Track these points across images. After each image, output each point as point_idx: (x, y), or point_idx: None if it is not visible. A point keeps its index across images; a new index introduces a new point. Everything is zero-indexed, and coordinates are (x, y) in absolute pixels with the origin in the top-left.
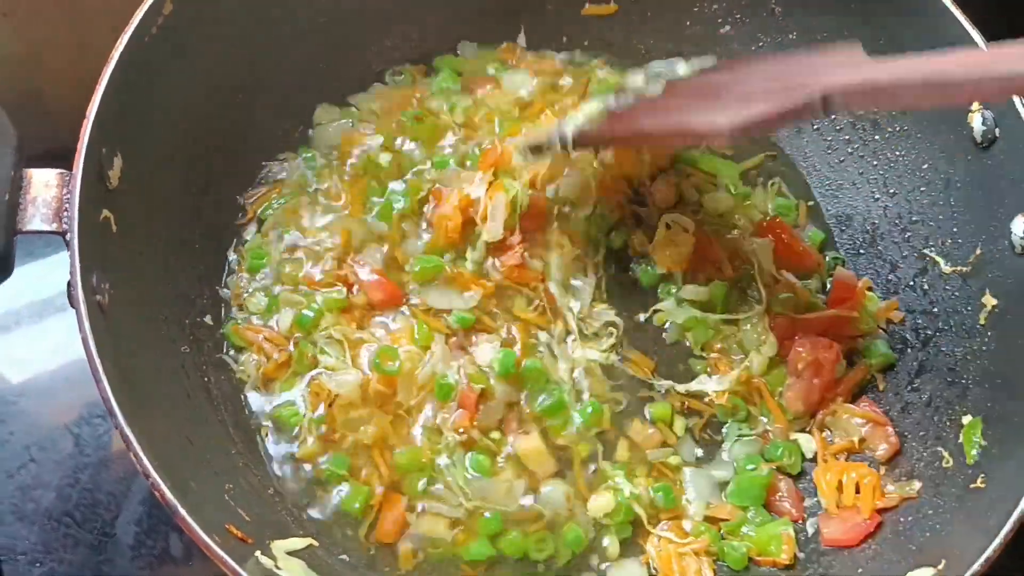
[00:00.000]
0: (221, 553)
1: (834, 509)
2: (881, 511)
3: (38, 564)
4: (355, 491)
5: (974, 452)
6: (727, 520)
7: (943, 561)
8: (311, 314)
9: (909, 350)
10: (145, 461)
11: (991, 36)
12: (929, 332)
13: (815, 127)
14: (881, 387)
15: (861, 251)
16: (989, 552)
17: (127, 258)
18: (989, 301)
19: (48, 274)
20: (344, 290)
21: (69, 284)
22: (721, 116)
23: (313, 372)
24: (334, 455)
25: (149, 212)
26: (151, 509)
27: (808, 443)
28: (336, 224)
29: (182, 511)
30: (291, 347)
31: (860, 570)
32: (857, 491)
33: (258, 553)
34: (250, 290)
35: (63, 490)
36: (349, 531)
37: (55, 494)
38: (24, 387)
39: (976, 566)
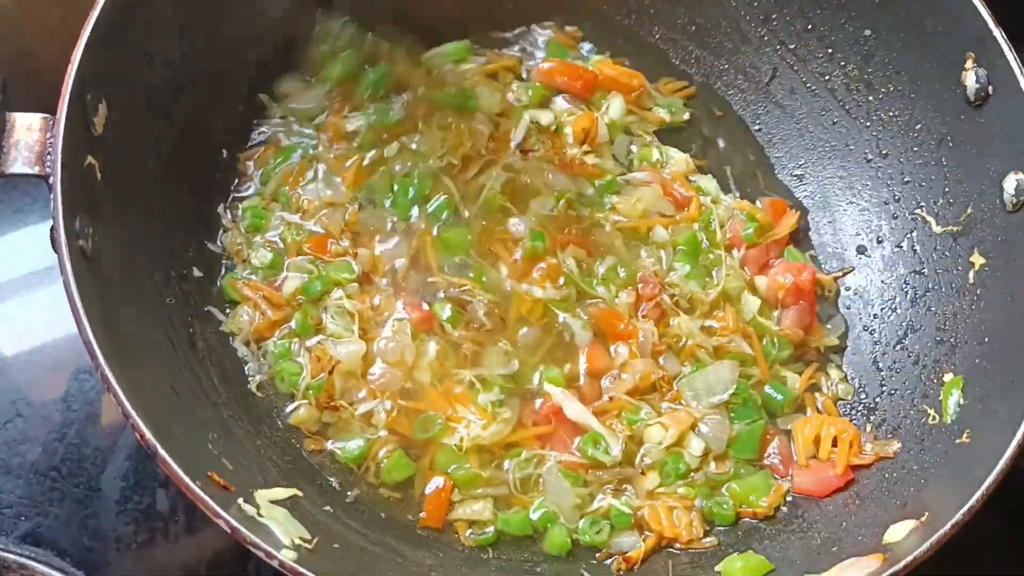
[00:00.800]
0: (203, 496)
1: (803, 461)
2: (856, 468)
3: (23, 518)
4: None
5: (951, 410)
6: (721, 474)
7: (926, 513)
8: (320, 285)
9: (898, 309)
10: (125, 402)
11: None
12: (918, 292)
13: (808, 87)
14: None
15: (850, 212)
16: (972, 502)
17: (112, 206)
18: (977, 260)
19: (39, 241)
20: (354, 265)
21: (52, 229)
22: None
23: (317, 338)
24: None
25: (136, 162)
26: (137, 464)
27: (794, 382)
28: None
29: (163, 452)
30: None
31: (844, 524)
32: (834, 445)
33: (241, 500)
34: (253, 245)
35: (49, 445)
36: (335, 480)
37: (41, 448)
38: (12, 343)
39: (958, 516)
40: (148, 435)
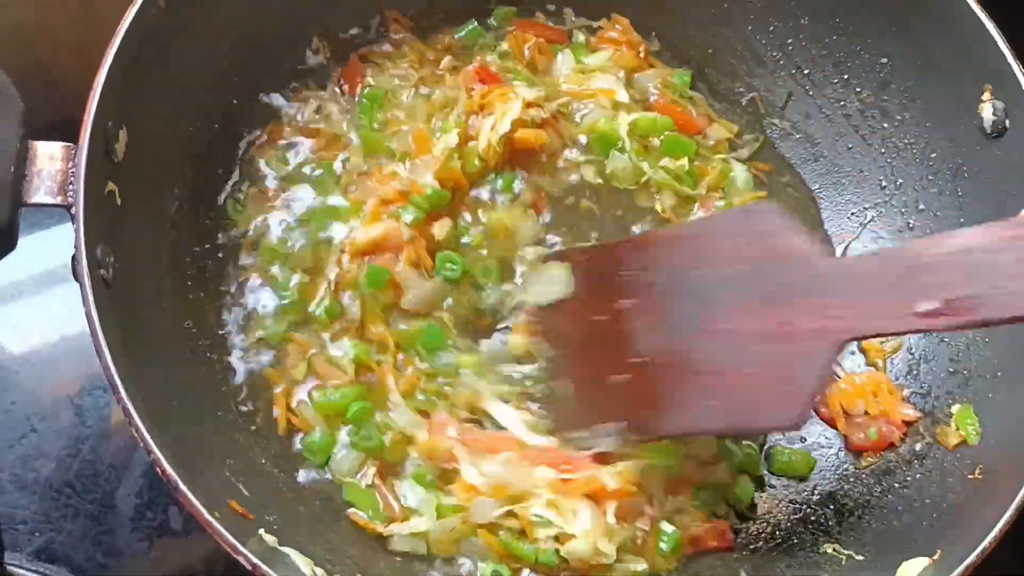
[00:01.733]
0: (222, 531)
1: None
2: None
3: (37, 534)
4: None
5: (966, 439)
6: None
7: (938, 551)
8: None
9: (911, 339)
10: (147, 436)
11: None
12: None
13: (824, 112)
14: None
15: (864, 239)
16: (985, 544)
17: (131, 232)
18: None
19: (51, 245)
20: None
21: (74, 258)
22: (784, 417)
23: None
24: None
25: (153, 186)
26: (151, 481)
27: None
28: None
29: (184, 488)
30: None
31: (861, 558)
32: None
33: (261, 531)
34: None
35: (63, 460)
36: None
37: (55, 464)
38: (26, 357)
39: (972, 558)
40: (169, 470)
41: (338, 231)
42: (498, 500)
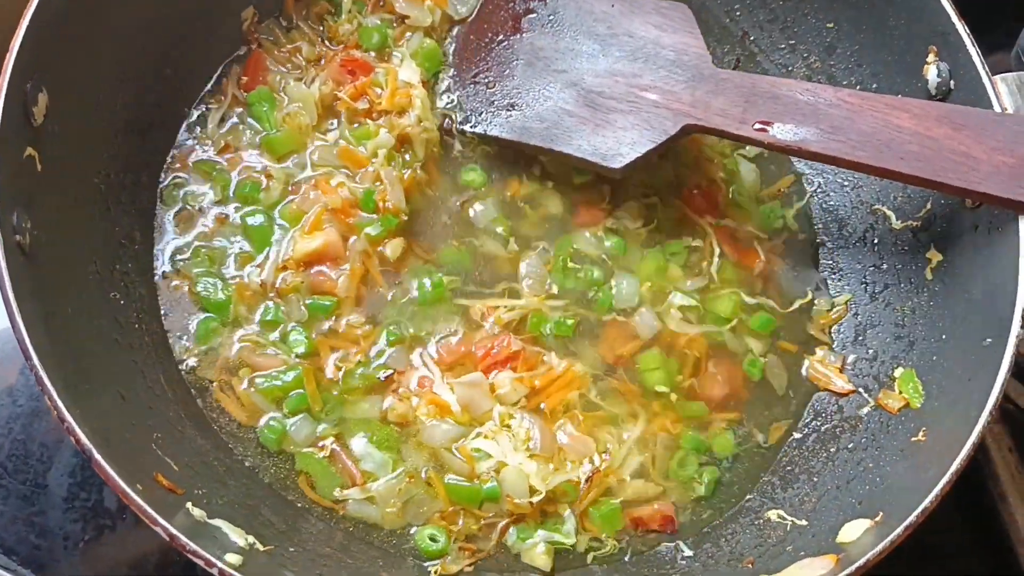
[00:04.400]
0: (140, 502)
1: None
2: None
3: None
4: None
5: (916, 400)
6: None
7: (880, 513)
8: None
9: (858, 304)
10: (57, 400)
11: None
12: (878, 288)
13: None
14: (831, 343)
15: (811, 207)
16: (926, 503)
17: (53, 199)
18: (935, 256)
19: None
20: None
21: None
22: (614, 161)
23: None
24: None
25: (78, 152)
26: (85, 461)
27: None
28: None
29: (98, 457)
30: None
31: (805, 522)
32: None
33: (189, 504)
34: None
35: None
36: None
37: None
38: None
39: (911, 518)
40: (83, 438)
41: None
42: (457, 425)
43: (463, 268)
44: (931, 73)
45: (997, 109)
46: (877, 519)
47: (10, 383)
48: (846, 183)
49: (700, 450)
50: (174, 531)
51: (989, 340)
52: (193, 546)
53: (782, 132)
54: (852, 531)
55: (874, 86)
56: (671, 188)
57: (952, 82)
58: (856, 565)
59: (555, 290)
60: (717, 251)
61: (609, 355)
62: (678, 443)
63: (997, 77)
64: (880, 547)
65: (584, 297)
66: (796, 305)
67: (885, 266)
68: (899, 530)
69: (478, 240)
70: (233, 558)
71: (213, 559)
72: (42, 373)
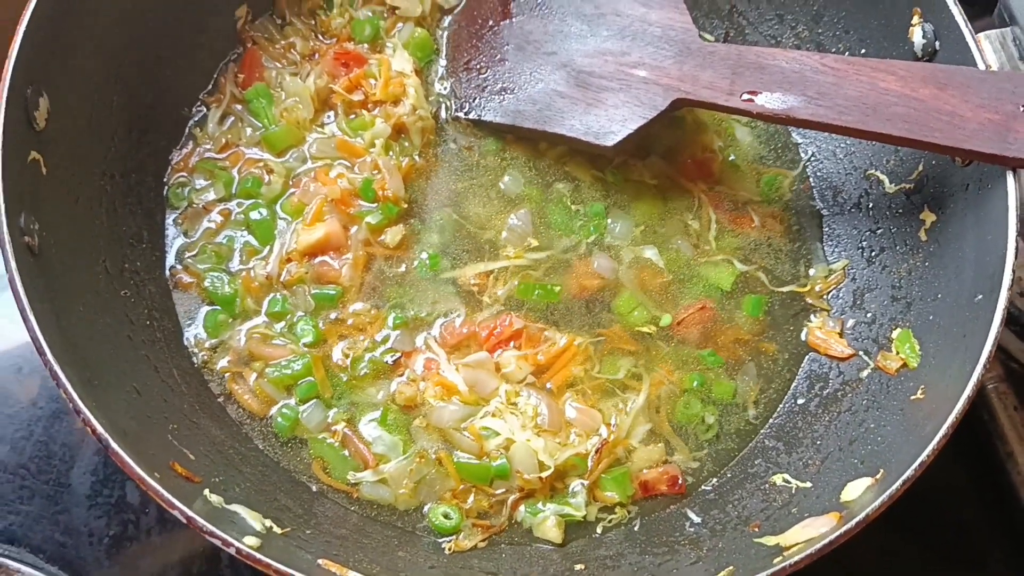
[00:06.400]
0: (158, 488)
1: None
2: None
3: None
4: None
5: (907, 362)
6: None
7: (880, 471)
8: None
9: (857, 269)
10: (74, 395)
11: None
12: (874, 251)
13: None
14: (829, 309)
15: (807, 175)
16: (923, 457)
17: (60, 201)
18: (928, 217)
19: None
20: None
21: None
22: (607, 139)
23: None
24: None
25: (81, 154)
26: (106, 458)
27: None
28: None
29: (115, 446)
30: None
31: (809, 484)
32: None
33: (206, 491)
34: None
35: (17, 443)
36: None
37: (9, 447)
38: None
39: (909, 472)
40: (99, 428)
41: (281, 230)
42: (464, 405)
43: (451, 237)
44: (916, 35)
45: (982, 67)
46: (878, 476)
47: (32, 396)
48: (839, 150)
49: (702, 385)
50: (192, 514)
51: (980, 296)
52: (211, 527)
53: (769, 101)
54: (855, 489)
55: (862, 52)
56: (669, 153)
57: (937, 42)
58: (856, 520)
59: (535, 243)
60: (714, 217)
61: (575, 287)
62: (681, 388)
63: (981, 35)
64: (879, 502)
65: (568, 248)
66: (792, 276)
67: (880, 230)
68: (897, 484)
69: (468, 207)
70: (251, 540)
71: (232, 539)
72: (57, 368)
